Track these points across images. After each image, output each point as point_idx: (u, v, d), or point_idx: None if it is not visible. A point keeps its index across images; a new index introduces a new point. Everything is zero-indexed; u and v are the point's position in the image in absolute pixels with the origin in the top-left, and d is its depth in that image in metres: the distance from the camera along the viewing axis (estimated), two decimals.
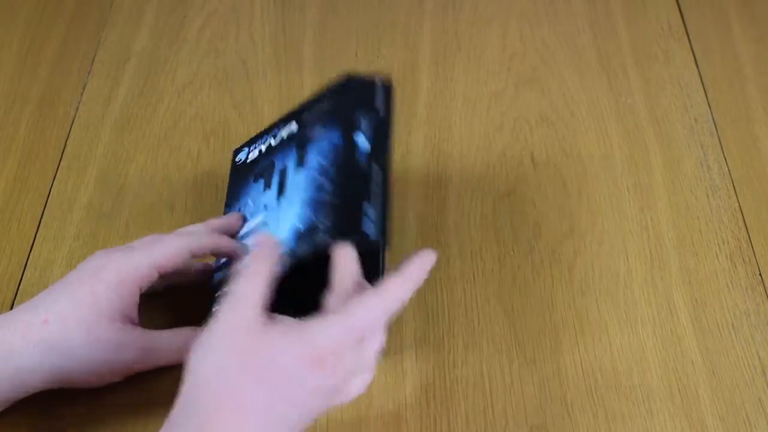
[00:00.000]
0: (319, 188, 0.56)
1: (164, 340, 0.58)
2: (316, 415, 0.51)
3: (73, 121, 0.79)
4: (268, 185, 0.62)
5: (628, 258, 0.68)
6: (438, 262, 0.68)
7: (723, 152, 0.75)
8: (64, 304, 0.55)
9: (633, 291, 0.66)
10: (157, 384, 0.59)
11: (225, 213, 0.66)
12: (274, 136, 0.65)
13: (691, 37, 0.84)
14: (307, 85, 0.81)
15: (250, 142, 0.69)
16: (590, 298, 0.66)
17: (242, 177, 0.67)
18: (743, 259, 0.68)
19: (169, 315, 0.63)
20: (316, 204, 0.56)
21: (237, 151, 0.70)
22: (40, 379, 0.55)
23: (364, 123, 0.58)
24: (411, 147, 0.76)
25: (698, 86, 0.80)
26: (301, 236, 0.56)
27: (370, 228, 0.53)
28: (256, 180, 0.65)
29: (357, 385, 0.53)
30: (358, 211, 0.54)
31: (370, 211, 0.54)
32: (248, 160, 0.67)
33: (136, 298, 0.57)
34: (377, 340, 0.53)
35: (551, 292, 0.66)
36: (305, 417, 0.50)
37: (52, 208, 0.72)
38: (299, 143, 0.61)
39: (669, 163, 0.75)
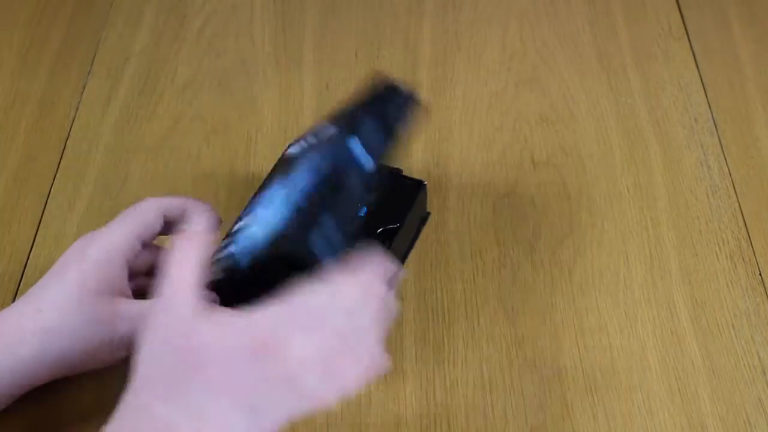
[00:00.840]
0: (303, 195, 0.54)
1: None
2: (282, 416, 0.47)
3: (73, 121, 0.79)
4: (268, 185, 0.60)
5: (628, 258, 0.68)
6: (438, 262, 0.68)
7: (723, 152, 0.75)
8: (54, 289, 0.55)
9: (633, 291, 0.66)
10: None
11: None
12: (316, 134, 0.60)
13: (691, 37, 0.84)
14: (307, 85, 0.81)
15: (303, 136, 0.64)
16: (590, 298, 0.66)
17: (273, 171, 0.63)
18: (743, 259, 0.68)
19: None
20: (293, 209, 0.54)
21: (290, 145, 0.64)
22: (41, 369, 0.55)
23: (364, 127, 0.55)
24: (411, 147, 0.76)
25: (698, 86, 0.80)
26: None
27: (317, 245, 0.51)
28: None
29: (344, 380, 0.48)
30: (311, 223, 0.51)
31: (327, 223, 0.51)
32: (286, 155, 0.63)
33: (125, 271, 0.57)
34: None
35: (551, 292, 0.66)
36: (264, 414, 0.46)
37: (52, 208, 0.72)
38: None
39: (669, 163, 0.75)
